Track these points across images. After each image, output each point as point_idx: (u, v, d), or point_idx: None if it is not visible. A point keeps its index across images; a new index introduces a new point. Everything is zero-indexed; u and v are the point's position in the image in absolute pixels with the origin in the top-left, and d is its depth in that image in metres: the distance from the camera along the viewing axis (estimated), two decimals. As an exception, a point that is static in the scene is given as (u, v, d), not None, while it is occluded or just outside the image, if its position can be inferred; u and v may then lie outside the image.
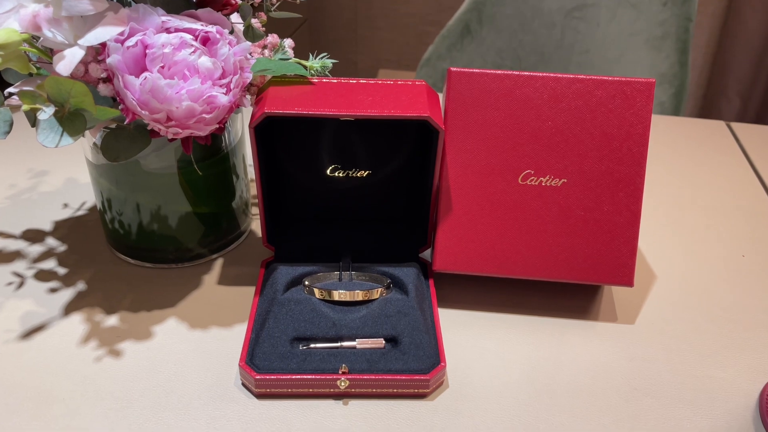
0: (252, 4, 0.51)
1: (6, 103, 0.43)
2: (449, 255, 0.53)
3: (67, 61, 0.41)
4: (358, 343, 0.48)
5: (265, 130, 0.51)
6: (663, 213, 0.70)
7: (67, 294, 0.55)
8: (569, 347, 0.52)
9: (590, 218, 0.52)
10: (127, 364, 0.49)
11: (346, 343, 0.48)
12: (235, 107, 0.46)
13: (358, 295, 0.51)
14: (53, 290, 0.56)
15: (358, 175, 0.57)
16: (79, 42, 0.41)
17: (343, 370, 0.46)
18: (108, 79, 0.43)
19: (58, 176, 0.72)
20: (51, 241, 0.62)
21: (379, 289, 0.51)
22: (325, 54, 0.54)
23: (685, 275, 0.60)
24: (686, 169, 0.78)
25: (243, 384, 0.47)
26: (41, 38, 0.41)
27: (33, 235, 0.62)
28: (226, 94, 0.44)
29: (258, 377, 0.45)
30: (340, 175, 0.57)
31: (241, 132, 0.59)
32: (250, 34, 0.50)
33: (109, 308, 0.54)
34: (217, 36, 0.44)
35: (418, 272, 0.54)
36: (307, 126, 0.54)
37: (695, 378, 0.49)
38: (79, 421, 0.44)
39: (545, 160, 0.52)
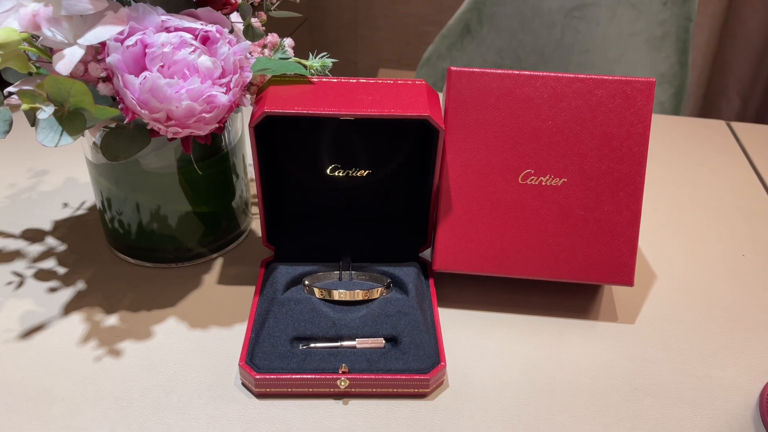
0: (252, 4, 0.51)
1: (5, 102, 0.43)
2: (449, 254, 0.53)
3: (67, 61, 0.41)
4: (358, 343, 0.48)
5: (265, 129, 0.51)
6: (663, 212, 0.69)
7: (66, 293, 0.55)
8: (569, 347, 0.52)
9: (590, 218, 0.52)
10: (126, 363, 0.49)
11: (346, 343, 0.48)
12: (234, 106, 0.46)
13: (358, 295, 0.51)
14: (53, 290, 0.56)
15: (358, 174, 0.57)
16: (79, 41, 0.41)
17: (343, 369, 0.46)
18: (108, 79, 0.43)
19: (58, 176, 0.72)
20: (51, 241, 0.62)
21: (379, 289, 0.51)
22: (325, 53, 0.54)
23: (686, 275, 0.60)
24: (686, 169, 0.78)
25: (243, 384, 0.47)
26: (41, 37, 0.41)
27: (33, 235, 0.62)
28: (225, 93, 0.44)
29: (258, 377, 0.45)
30: (340, 174, 0.57)
31: (241, 131, 0.59)
32: (249, 33, 0.50)
33: (108, 308, 0.54)
34: (217, 35, 0.44)
35: (418, 272, 0.54)
36: (307, 125, 0.54)
37: (695, 377, 0.49)
38: (79, 421, 0.44)
39: (545, 160, 0.52)
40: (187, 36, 0.43)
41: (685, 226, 0.68)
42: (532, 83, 0.52)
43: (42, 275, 0.57)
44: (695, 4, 1.01)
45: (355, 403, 0.46)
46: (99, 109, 0.41)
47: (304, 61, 0.53)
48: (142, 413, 0.45)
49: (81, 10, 0.41)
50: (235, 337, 0.51)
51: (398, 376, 0.46)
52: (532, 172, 0.53)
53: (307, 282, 0.52)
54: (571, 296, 0.56)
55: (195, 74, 0.43)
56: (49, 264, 0.59)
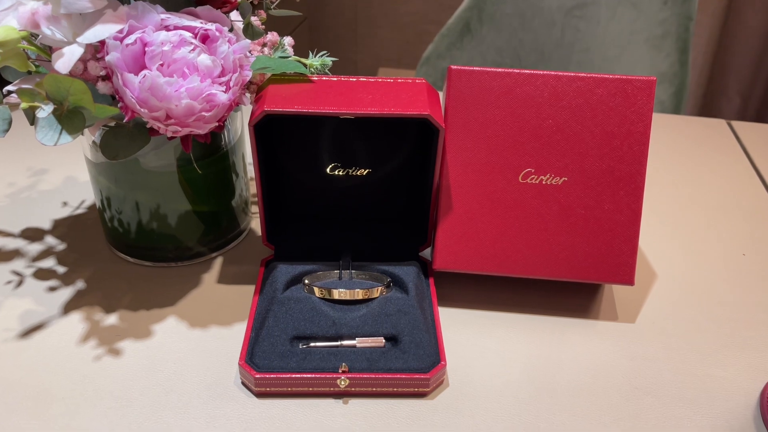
0: (252, 2, 0.51)
1: (5, 101, 0.43)
2: (449, 254, 0.53)
3: (66, 59, 0.41)
4: (358, 342, 0.48)
5: (265, 128, 0.51)
6: (663, 211, 0.69)
7: (66, 293, 0.55)
8: (570, 346, 0.52)
9: (591, 217, 0.52)
10: (126, 363, 0.49)
11: (346, 342, 0.48)
12: (234, 105, 0.46)
13: (358, 294, 0.51)
14: (52, 289, 0.56)
15: (358, 173, 0.57)
16: (78, 40, 0.41)
17: (343, 369, 0.46)
18: (107, 77, 0.43)
19: (57, 174, 0.72)
20: (50, 240, 0.61)
21: (379, 288, 0.51)
22: (325, 52, 0.54)
23: (686, 274, 0.60)
24: (687, 168, 0.78)
25: (243, 383, 0.47)
26: (40, 36, 0.41)
27: (32, 234, 0.62)
28: (225, 92, 0.44)
29: (258, 376, 0.45)
30: (340, 173, 0.57)
31: (241, 130, 0.59)
32: (249, 31, 0.50)
33: (108, 307, 0.54)
34: (217, 34, 0.44)
35: (418, 271, 0.54)
36: (306, 124, 0.54)
37: (696, 377, 0.49)
38: (79, 421, 0.44)
39: (546, 159, 0.52)
40: (187, 34, 0.43)
41: (686, 225, 0.68)
42: (533, 82, 0.52)
43: (41, 274, 0.57)
44: (695, 3, 1.01)
45: (355, 403, 0.46)
46: (98, 107, 0.41)
47: (303, 60, 0.53)
48: (142, 412, 0.45)
49: (80, 9, 0.41)
50: (234, 336, 0.51)
51: (398, 376, 0.46)
52: (533, 170, 0.52)
53: (306, 281, 0.52)
54: (571, 295, 0.56)
55: (194, 73, 0.43)
56: (49, 263, 0.59)
